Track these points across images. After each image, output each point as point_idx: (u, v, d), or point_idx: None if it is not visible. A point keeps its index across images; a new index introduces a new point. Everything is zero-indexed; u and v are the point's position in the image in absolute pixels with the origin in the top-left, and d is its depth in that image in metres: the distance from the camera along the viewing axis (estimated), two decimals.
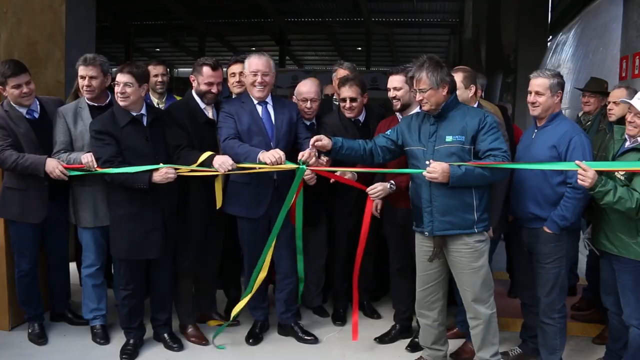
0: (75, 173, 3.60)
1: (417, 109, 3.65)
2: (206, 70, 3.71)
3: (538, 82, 3.33)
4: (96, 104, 3.80)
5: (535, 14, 11.77)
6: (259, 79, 3.70)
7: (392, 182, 3.59)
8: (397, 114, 3.78)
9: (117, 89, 3.46)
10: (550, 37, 11.85)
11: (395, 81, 3.68)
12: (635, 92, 3.71)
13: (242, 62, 4.07)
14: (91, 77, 3.72)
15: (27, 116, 3.72)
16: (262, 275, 3.69)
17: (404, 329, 3.98)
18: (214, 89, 3.74)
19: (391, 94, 3.70)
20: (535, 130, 3.41)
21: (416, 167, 3.24)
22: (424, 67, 3.13)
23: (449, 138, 3.13)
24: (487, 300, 3.23)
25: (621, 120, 3.83)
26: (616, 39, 6.21)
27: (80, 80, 3.77)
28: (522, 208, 3.37)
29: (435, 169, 3.03)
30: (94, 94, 3.77)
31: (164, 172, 3.43)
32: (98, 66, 3.74)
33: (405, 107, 3.70)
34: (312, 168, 3.49)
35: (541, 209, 3.28)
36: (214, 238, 3.95)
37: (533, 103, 3.34)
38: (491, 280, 3.26)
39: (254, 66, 3.70)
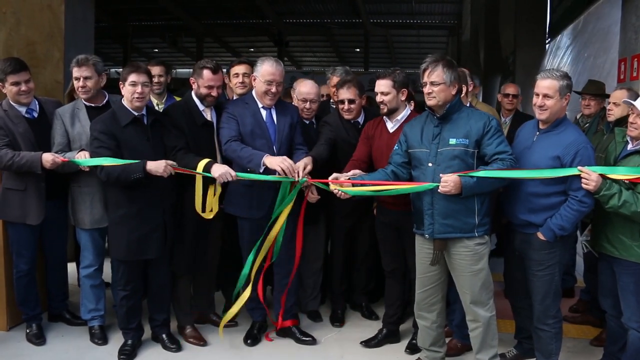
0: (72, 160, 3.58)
1: (404, 113, 3.65)
2: (207, 73, 3.70)
3: (546, 84, 3.12)
4: (93, 105, 3.80)
5: (533, 15, 11.77)
6: (273, 88, 3.67)
7: None
8: (385, 117, 3.74)
9: (135, 89, 3.45)
10: (549, 39, 11.85)
11: (382, 86, 3.62)
12: (637, 94, 3.72)
13: (246, 63, 4.10)
14: (85, 78, 3.72)
15: (26, 115, 3.71)
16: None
17: (390, 333, 3.93)
18: (214, 92, 3.73)
19: (378, 98, 3.65)
20: (537, 133, 3.25)
21: (419, 169, 3.24)
22: (440, 62, 3.13)
23: (452, 141, 3.12)
24: (487, 302, 3.23)
25: (620, 122, 3.83)
26: (617, 42, 6.21)
27: (75, 82, 3.76)
28: (515, 213, 3.28)
29: (447, 183, 3.01)
30: (89, 94, 3.77)
31: (163, 164, 3.38)
32: (91, 66, 3.73)
33: (392, 111, 3.66)
34: (313, 180, 3.51)
35: (535, 216, 3.19)
36: (211, 239, 3.95)
37: (541, 106, 3.14)
38: (491, 283, 3.26)
39: (271, 75, 3.65)
